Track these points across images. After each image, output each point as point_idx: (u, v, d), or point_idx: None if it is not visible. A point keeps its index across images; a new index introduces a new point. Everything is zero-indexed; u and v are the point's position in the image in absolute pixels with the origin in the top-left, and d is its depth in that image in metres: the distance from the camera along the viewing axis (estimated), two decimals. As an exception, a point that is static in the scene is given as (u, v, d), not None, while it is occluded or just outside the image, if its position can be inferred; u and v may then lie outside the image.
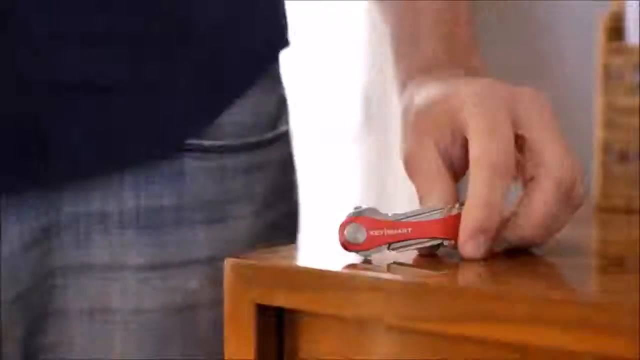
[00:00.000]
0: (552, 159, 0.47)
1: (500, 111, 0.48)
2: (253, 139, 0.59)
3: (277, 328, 0.49)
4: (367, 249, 0.47)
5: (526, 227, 0.47)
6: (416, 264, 0.47)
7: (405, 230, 0.47)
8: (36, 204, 0.55)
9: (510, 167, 0.47)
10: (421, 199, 0.49)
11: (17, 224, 0.54)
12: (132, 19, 0.54)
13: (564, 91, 1.24)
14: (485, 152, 0.47)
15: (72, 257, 0.56)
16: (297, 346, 0.49)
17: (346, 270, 0.46)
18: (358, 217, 0.47)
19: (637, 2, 0.73)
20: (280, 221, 0.62)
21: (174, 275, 0.56)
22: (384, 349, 0.46)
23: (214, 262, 0.56)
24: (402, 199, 1.53)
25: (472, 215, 0.46)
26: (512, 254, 0.49)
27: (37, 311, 0.56)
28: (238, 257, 0.49)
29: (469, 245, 0.46)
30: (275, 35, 0.62)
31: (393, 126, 1.53)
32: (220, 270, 0.50)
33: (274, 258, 0.50)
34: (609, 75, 0.74)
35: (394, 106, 1.72)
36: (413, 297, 0.43)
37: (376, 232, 0.47)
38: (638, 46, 0.73)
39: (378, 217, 0.47)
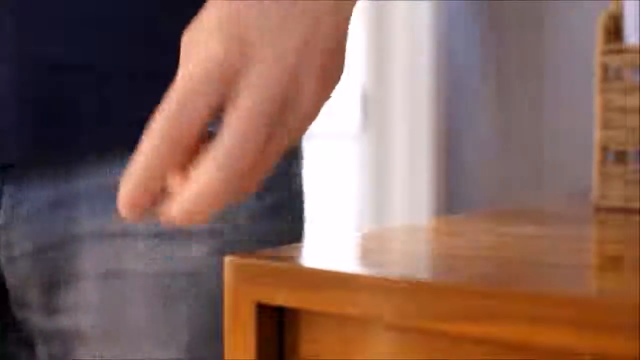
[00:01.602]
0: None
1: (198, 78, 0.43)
2: None
3: (277, 328, 0.49)
4: None
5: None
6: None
7: None
8: (58, 173, 0.61)
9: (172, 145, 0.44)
10: None
11: (39, 187, 0.61)
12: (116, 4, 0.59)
13: (563, 91, 1.24)
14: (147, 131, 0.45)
15: (90, 225, 0.61)
16: (297, 346, 0.49)
17: (346, 270, 0.46)
18: None
19: (636, 2, 0.73)
20: (280, 205, 0.66)
21: (178, 243, 0.62)
22: (384, 348, 0.46)
23: (214, 234, 0.62)
24: (401, 197, 1.53)
25: (122, 189, 0.46)
26: (511, 253, 0.49)
27: (55, 272, 0.62)
28: (239, 256, 0.50)
29: (123, 212, 0.46)
30: None
31: (392, 126, 1.53)
32: (220, 242, 0.60)
33: (275, 257, 0.50)
34: (607, 75, 0.74)
35: (394, 106, 1.73)
36: (413, 297, 0.43)
37: None
38: (636, 46, 0.73)
39: None
